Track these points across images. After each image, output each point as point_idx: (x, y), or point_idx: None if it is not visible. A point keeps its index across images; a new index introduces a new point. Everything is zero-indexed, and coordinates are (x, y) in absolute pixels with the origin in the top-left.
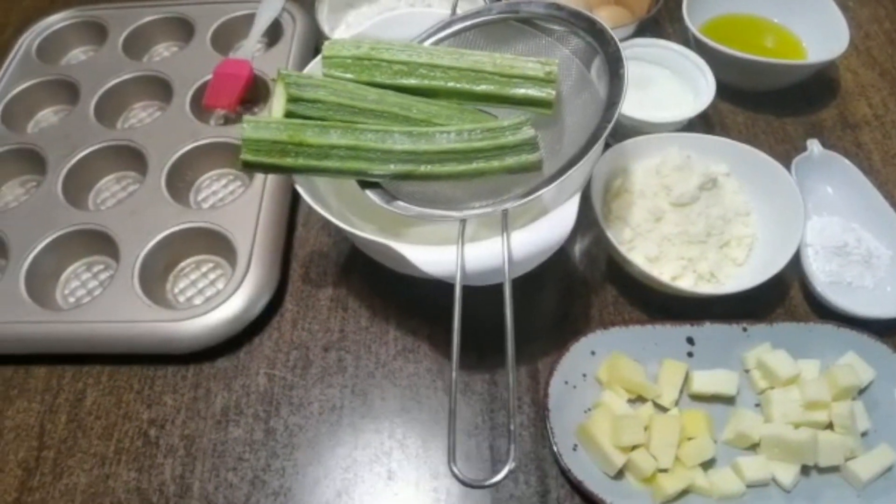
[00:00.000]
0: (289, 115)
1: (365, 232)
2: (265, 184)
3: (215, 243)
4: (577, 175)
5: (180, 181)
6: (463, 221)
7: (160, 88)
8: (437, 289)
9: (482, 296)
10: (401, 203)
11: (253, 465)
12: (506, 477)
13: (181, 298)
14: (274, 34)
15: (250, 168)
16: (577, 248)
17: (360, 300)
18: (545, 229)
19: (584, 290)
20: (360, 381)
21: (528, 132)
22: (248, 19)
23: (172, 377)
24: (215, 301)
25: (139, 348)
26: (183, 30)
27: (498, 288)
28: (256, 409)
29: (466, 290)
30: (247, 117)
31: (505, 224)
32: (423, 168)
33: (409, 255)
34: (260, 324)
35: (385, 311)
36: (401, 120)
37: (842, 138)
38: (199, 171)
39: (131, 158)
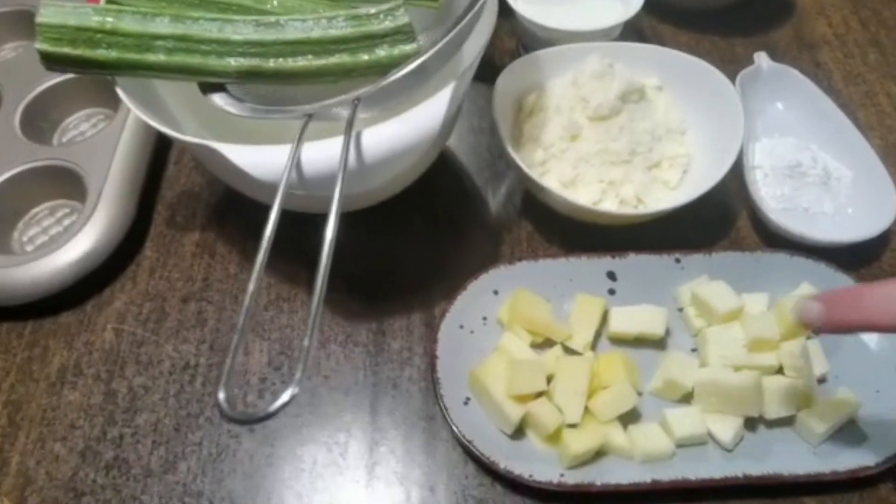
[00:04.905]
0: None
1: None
2: (127, 116)
3: (70, 185)
4: (443, 55)
5: (43, 120)
6: (308, 117)
7: (25, 22)
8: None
9: (373, 231)
10: (246, 105)
11: (86, 434)
12: (285, 405)
13: (29, 248)
14: None
15: (52, 62)
16: (487, 179)
17: (232, 244)
18: (405, 125)
19: (495, 226)
20: (220, 336)
21: (401, 18)
22: None
23: (6, 335)
24: (55, 243)
25: None
26: None
27: (394, 224)
28: (98, 368)
29: (355, 221)
30: None
31: (352, 117)
32: (271, 63)
33: (233, 156)
34: (112, 273)
35: None
36: (254, 13)
37: (797, 58)
38: (66, 110)
39: None
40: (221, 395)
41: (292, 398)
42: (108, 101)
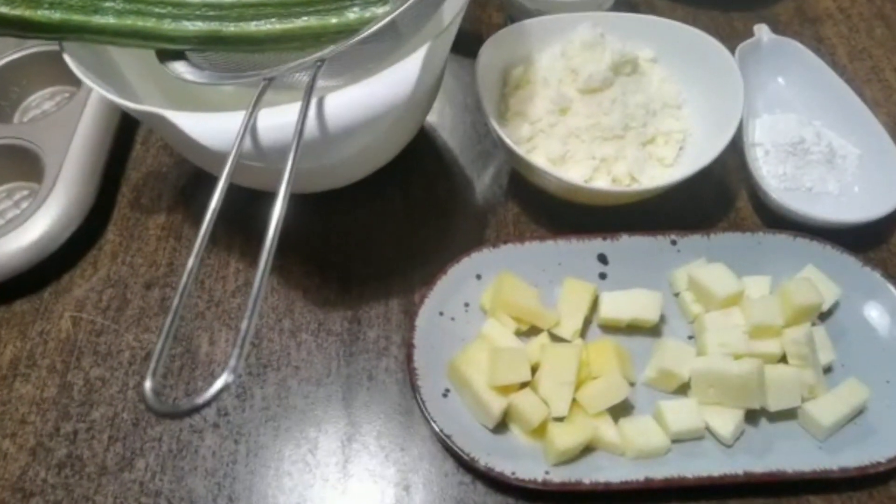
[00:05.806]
0: None
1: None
2: (90, 92)
3: (28, 166)
4: (416, 15)
5: (3, 99)
6: (266, 82)
7: None
8: (301, 212)
9: (349, 214)
10: (204, 72)
11: (37, 430)
12: (218, 394)
13: None
14: None
15: None
16: (472, 158)
17: (199, 227)
18: (372, 89)
19: (480, 208)
20: (184, 324)
21: None
22: None
23: None
24: (8, 226)
25: None
26: None
27: (372, 206)
28: (53, 359)
29: (330, 202)
30: None
31: (313, 80)
32: (231, 27)
33: (181, 123)
34: (72, 258)
35: (228, 238)
36: None
37: (799, 33)
38: (28, 88)
39: None
40: (148, 385)
41: (226, 387)
42: (74, 79)
